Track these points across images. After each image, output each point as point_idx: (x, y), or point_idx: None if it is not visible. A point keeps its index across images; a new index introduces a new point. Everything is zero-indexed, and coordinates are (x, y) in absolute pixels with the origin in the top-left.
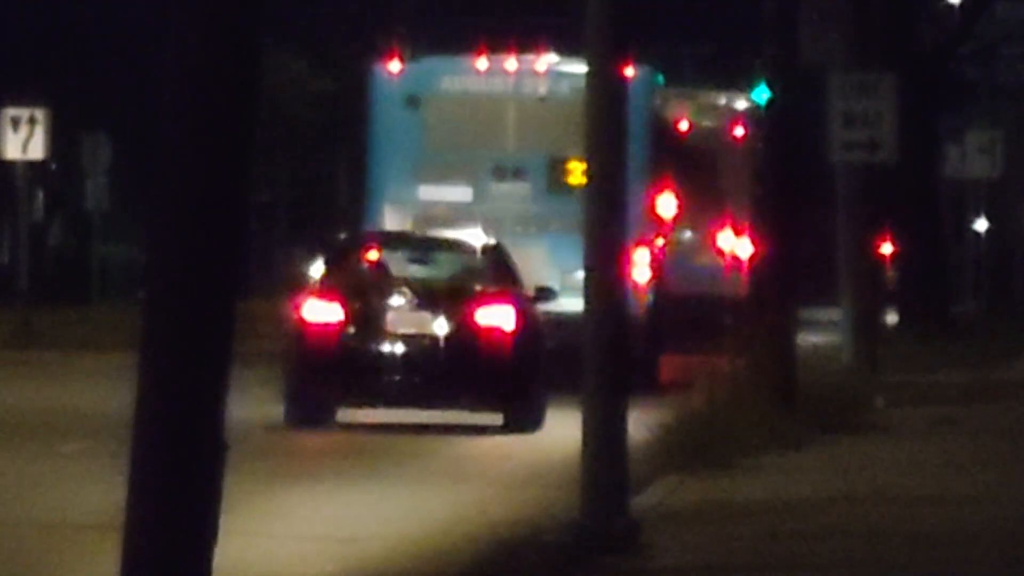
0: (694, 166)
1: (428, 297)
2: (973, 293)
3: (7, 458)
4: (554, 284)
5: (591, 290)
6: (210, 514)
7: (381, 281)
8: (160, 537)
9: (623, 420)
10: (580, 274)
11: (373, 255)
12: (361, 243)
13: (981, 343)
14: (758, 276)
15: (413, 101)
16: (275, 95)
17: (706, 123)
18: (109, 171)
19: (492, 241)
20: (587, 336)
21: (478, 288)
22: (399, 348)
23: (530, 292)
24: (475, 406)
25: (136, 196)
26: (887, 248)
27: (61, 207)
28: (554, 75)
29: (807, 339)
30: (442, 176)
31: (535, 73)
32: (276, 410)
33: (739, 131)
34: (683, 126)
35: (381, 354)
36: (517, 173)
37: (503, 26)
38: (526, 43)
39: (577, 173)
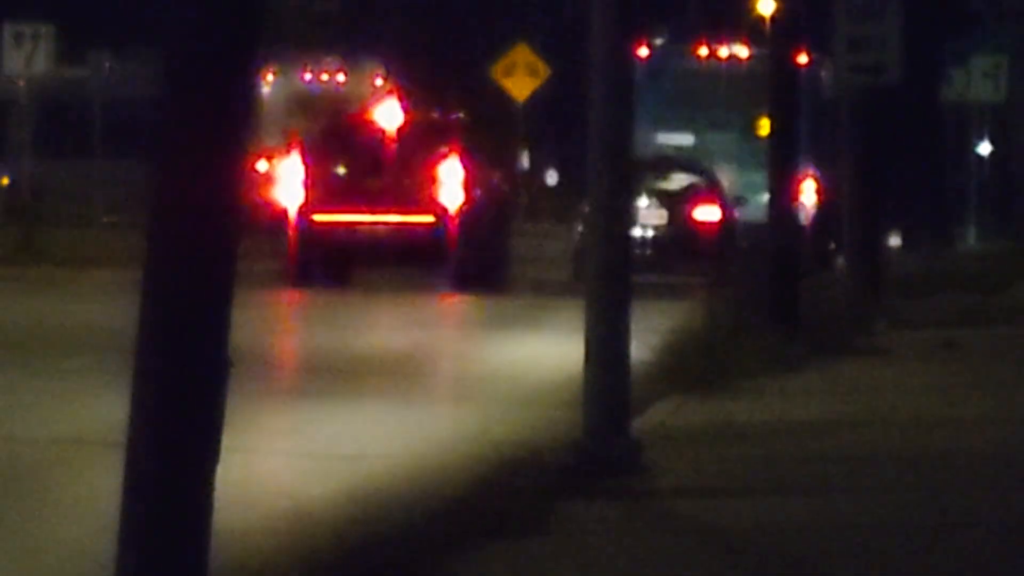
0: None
1: (664, 200)
2: (976, 217)
3: (11, 373)
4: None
5: (589, 218)
6: (213, 431)
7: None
8: (162, 454)
9: (626, 340)
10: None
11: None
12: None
13: (983, 266)
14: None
15: (655, 75)
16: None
17: None
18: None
19: (705, 165)
20: (590, 259)
21: (696, 194)
22: (648, 233)
23: (730, 198)
24: (692, 271)
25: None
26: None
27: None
28: (751, 60)
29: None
30: (673, 127)
31: (738, 58)
32: (281, 330)
33: None
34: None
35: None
36: (724, 126)
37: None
38: (734, 35)
39: (764, 127)
